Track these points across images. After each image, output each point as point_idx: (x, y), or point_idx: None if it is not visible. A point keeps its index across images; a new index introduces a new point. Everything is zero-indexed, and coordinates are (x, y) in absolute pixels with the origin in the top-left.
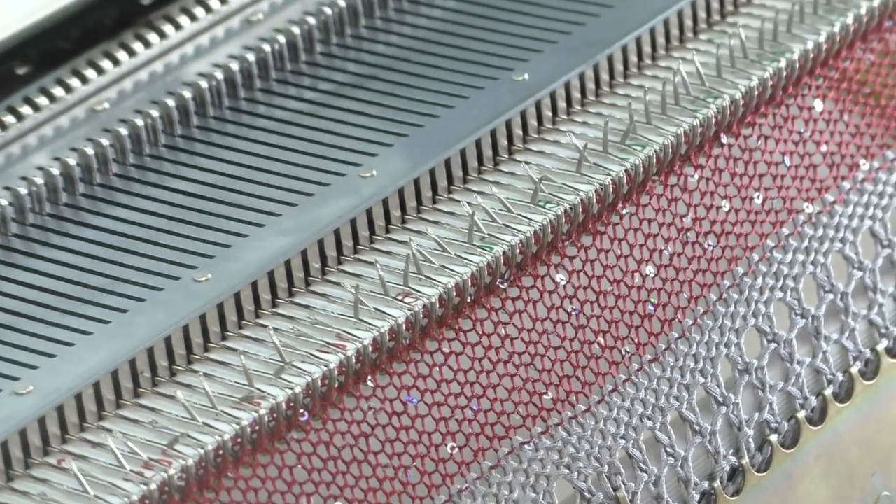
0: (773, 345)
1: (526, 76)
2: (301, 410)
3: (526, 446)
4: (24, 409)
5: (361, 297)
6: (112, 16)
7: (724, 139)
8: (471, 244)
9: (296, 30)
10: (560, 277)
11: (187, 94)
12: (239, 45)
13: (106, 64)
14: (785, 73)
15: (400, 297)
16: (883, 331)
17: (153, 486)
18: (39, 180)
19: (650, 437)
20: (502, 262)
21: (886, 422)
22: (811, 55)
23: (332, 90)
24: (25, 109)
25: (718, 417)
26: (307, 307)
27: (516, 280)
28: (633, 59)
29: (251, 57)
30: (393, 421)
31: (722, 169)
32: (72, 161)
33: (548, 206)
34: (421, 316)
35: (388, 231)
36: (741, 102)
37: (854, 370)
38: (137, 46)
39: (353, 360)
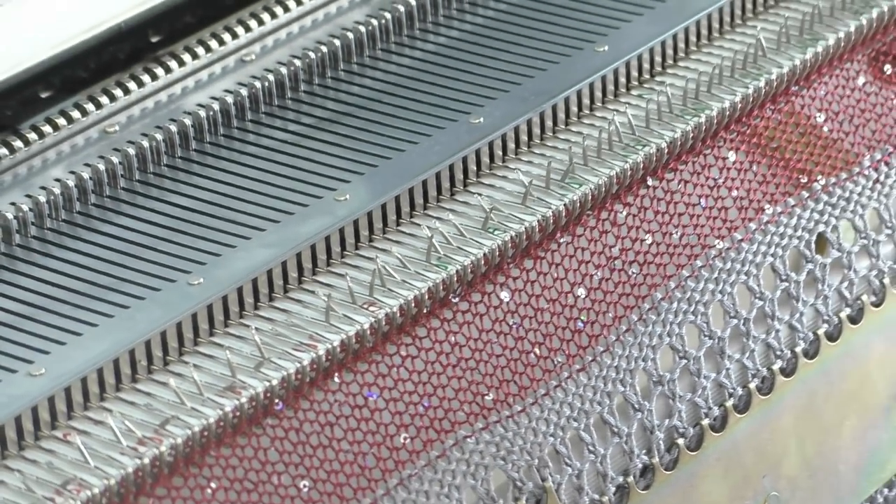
0: (684, 361)
1: (481, 119)
2: (276, 400)
3: (468, 439)
4: (36, 389)
5: (332, 305)
6: (125, 51)
7: (649, 181)
8: (428, 263)
9: (283, 70)
10: (504, 295)
11: (187, 121)
12: (233, 81)
13: (118, 92)
14: (704, 127)
15: (365, 306)
16: (778, 353)
17: (146, 461)
18: (56, 190)
19: (575, 435)
20: (455, 279)
21: (777, 432)
22: (727, 112)
23: (312, 123)
24: (46, 129)
25: (634, 422)
26: (285, 311)
27: (466, 295)
28: (575, 109)
29: (244, 92)
30: (355, 413)
31: (647, 207)
32: (85, 175)
33: (496, 232)
34: (383, 323)
35: (357, 248)
36: (665, 150)
37: (752, 386)
38: (145, 78)
39: (323, 359)
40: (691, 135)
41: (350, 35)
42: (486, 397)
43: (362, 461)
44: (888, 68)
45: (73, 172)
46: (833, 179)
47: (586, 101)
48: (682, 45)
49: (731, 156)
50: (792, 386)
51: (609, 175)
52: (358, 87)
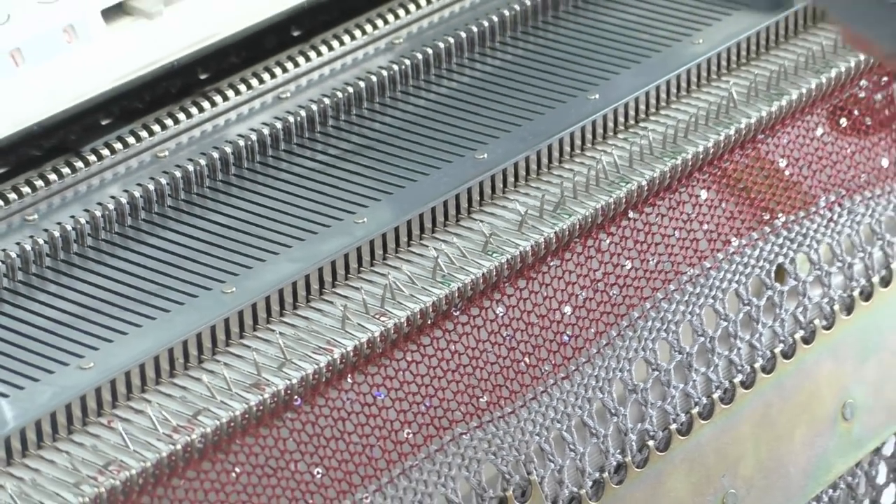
0: (656, 372)
1: (485, 155)
2: (296, 396)
3: (464, 436)
4: (85, 380)
5: (348, 314)
6: (176, 86)
7: (630, 214)
8: (434, 280)
9: (314, 107)
10: (500, 310)
11: (228, 149)
12: (270, 115)
13: (168, 122)
14: (680, 168)
15: (377, 316)
16: (739, 368)
17: (179, 447)
18: (111, 206)
19: (558, 435)
20: (457, 295)
21: (737, 437)
22: (701, 156)
23: (337, 154)
24: (105, 152)
25: (610, 424)
26: (306, 318)
27: (466, 309)
28: (568, 148)
29: (279, 125)
30: (364, 410)
31: (627, 237)
32: (137, 194)
33: (494, 255)
34: (392, 331)
35: (372, 265)
36: (646, 187)
37: (715, 396)
38: (193, 110)
39: (338, 362)
40: (669, 174)
41: (373, 78)
42: (481, 399)
43: (369, 452)
44: (843, 121)
45: (126, 191)
46: (792, 217)
47: (578, 142)
48: (663, 95)
49: (703, 194)
50: (750, 397)
51: (595, 207)
52: (378, 124)
